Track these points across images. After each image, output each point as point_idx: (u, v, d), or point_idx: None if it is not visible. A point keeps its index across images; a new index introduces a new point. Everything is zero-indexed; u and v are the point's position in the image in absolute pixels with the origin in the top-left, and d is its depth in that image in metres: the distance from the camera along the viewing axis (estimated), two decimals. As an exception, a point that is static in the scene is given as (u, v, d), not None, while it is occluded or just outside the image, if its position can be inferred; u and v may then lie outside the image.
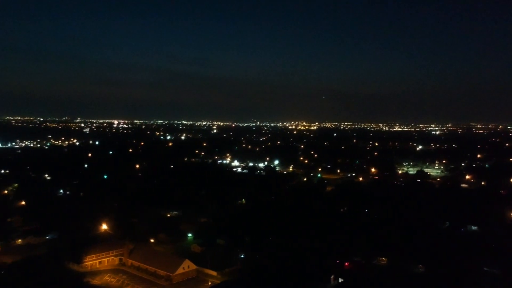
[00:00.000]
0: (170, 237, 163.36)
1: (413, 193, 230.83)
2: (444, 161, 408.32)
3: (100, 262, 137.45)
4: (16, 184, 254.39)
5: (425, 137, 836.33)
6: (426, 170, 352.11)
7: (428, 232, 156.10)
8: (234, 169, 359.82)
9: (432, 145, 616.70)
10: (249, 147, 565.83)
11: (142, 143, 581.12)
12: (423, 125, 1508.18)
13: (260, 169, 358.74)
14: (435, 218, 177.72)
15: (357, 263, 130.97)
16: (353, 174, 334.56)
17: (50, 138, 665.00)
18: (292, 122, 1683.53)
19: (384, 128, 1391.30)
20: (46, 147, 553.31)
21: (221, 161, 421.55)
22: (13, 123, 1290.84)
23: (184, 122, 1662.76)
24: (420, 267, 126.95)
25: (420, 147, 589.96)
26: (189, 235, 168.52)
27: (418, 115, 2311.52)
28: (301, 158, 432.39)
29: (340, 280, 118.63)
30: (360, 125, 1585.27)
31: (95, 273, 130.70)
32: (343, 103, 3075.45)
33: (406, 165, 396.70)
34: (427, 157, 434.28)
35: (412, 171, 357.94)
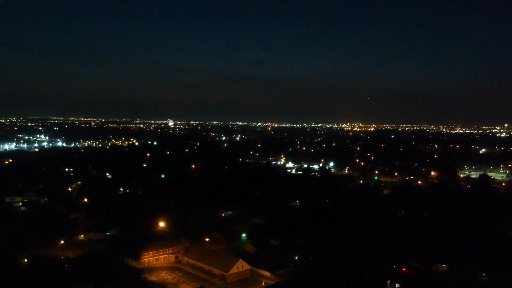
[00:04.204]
0: (224, 236, 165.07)
1: (475, 198, 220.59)
2: (510, 165, 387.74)
3: (157, 259, 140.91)
4: (79, 182, 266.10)
5: (489, 140, 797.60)
6: (489, 174, 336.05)
7: (492, 239, 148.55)
8: (288, 170, 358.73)
9: (497, 148, 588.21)
10: (304, 148, 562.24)
11: (198, 144, 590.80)
12: (486, 127, 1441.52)
13: (315, 170, 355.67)
14: (499, 225, 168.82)
15: (415, 269, 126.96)
16: (412, 177, 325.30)
17: (111, 138, 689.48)
18: (348, 124, 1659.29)
19: (445, 130, 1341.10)
20: (107, 147, 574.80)
21: (275, 162, 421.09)
22: (77, 124, 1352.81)
23: (239, 123, 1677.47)
24: (482, 275, 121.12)
25: (483, 150, 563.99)
26: (243, 235, 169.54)
27: (481, 117, 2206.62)
28: (357, 160, 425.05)
29: (397, 285, 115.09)
30: (419, 127, 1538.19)
31: (152, 269, 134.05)
32: (401, 104, 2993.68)
33: (467, 169, 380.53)
34: (491, 161, 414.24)
35: (474, 175, 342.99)
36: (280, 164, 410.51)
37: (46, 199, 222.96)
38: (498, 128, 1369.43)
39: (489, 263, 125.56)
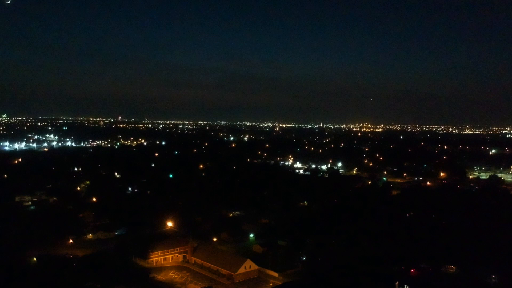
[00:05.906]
0: (232, 236, 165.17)
1: (485, 199, 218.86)
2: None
3: (165, 259, 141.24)
4: (88, 182, 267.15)
5: (499, 141, 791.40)
6: (499, 175, 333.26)
7: (502, 241, 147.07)
8: (296, 171, 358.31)
9: (507, 149, 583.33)
10: (312, 149, 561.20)
11: (206, 144, 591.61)
12: (496, 128, 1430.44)
13: (323, 171, 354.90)
14: (509, 226, 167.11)
15: (424, 270, 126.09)
16: (421, 178, 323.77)
17: (120, 138, 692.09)
18: (356, 124, 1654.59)
19: (454, 131, 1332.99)
20: (116, 147, 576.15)
21: (283, 162, 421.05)
22: (86, 124, 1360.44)
23: (247, 123, 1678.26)
24: (493, 277, 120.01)
25: (493, 151, 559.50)
26: (251, 235, 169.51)
27: (491, 118, 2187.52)
28: (366, 160, 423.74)
29: (406, 286, 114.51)
30: (428, 128, 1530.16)
31: (160, 269, 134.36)
32: (410, 104, 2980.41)
33: (477, 170, 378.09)
34: (501, 162, 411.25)
35: (484, 176, 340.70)
36: (288, 164, 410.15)
37: (55, 199, 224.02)
38: (508, 129, 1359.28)
39: (499, 265, 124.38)
